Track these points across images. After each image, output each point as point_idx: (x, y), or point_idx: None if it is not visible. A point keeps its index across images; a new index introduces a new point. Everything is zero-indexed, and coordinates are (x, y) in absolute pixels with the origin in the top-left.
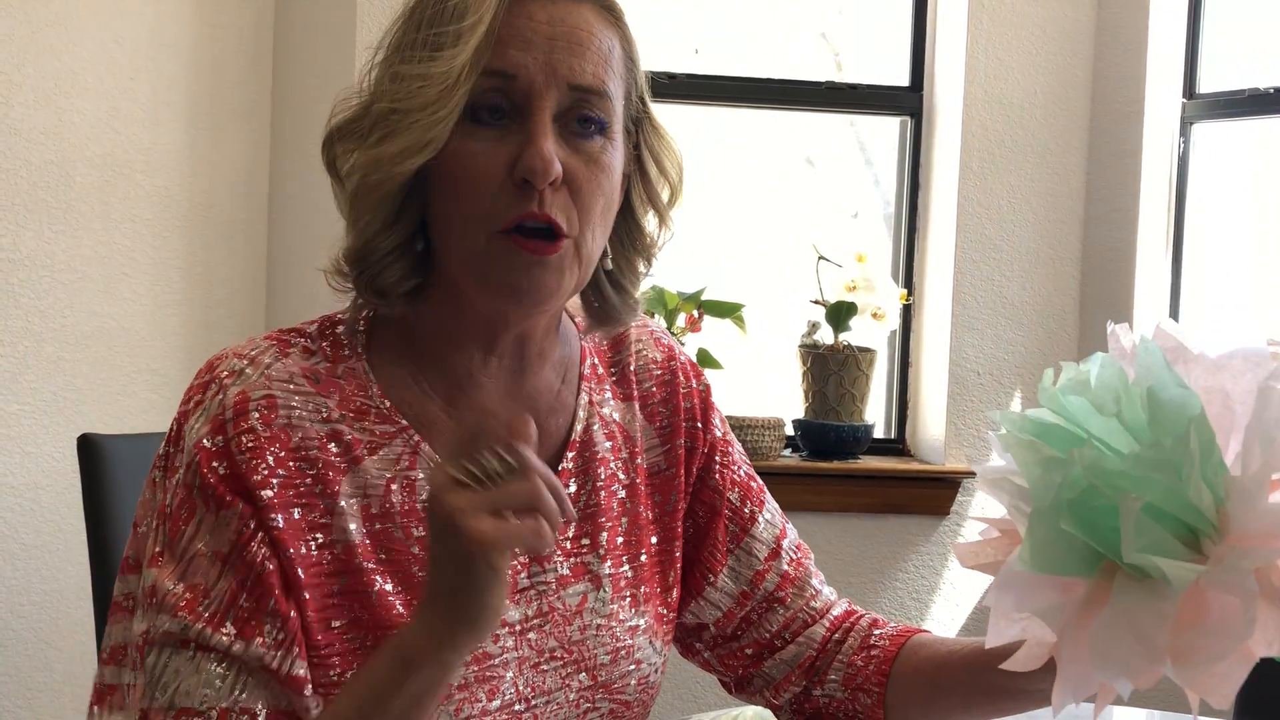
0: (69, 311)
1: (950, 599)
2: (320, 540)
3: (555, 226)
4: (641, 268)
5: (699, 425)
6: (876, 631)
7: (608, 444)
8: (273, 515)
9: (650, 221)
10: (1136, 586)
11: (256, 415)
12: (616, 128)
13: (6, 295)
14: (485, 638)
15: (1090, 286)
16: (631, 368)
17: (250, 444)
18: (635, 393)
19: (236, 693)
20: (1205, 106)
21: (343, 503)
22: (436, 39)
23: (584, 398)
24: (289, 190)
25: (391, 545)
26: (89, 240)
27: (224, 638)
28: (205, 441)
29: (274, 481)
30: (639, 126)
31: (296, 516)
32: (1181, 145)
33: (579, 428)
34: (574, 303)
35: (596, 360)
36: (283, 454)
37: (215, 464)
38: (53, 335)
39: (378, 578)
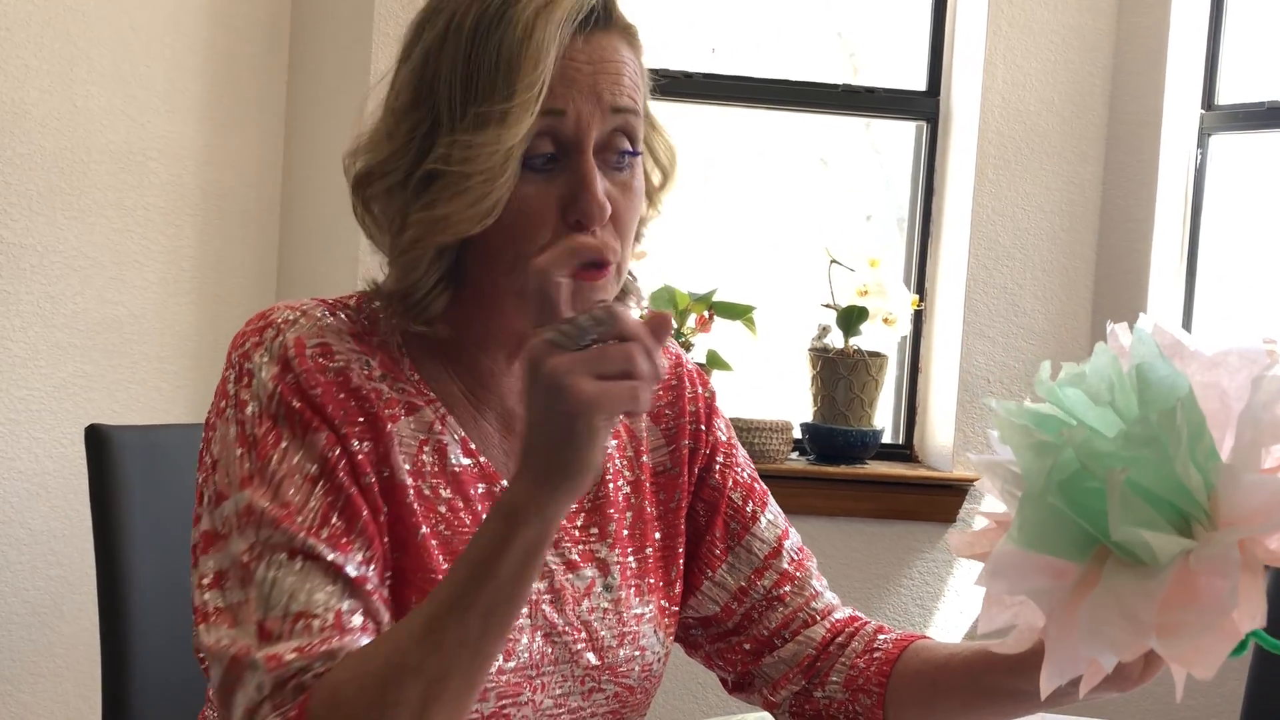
0: (80, 299)
1: (955, 606)
2: (382, 475)
3: (606, 264)
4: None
5: (703, 428)
6: (881, 636)
7: (613, 442)
8: (351, 443)
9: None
10: (1127, 570)
11: (316, 358)
12: (641, 144)
13: (18, 281)
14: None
15: (1104, 296)
16: None
17: (318, 379)
18: None
19: (345, 599)
20: (1224, 118)
21: (396, 445)
22: (504, 106)
23: None
24: (302, 182)
25: (423, 501)
26: (102, 228)
27: (325, 549)
28: (279, 375)
29: (342, 414)
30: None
31: (367, 449)
32: (1199, 156)
33: None
34: None
35: None
36: (342, 395)
37: (292, 395)
38: (63, 322)
39: (421, 523)
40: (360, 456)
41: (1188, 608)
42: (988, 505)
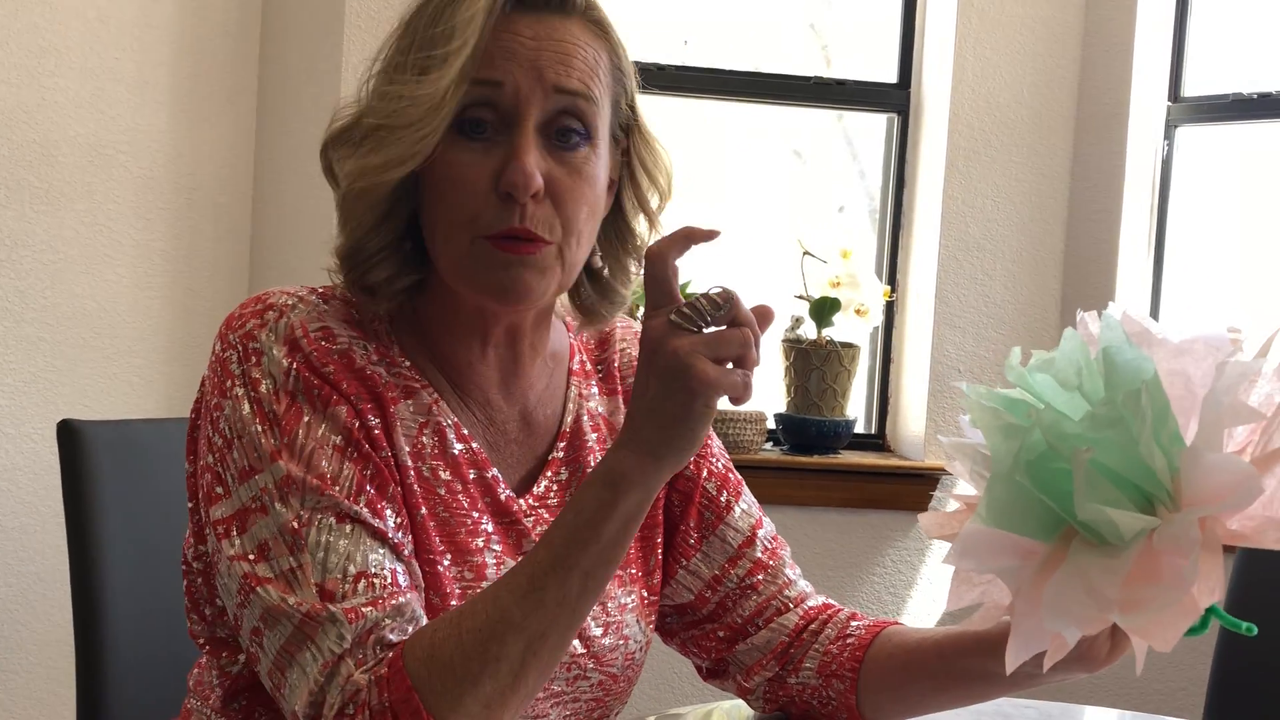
0: (49, 292)
1: (927, 594)
2: (388, 454)
3: (536, 239)
4: (633, 268)
5: None
6: (854, 623)
7: (594, 435)
8: (367, 418)
9: (641, 223)
10: (1092, 549)
11: (320, 340)
12: (601, 136)
13: None
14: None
15: (1072, 287)
16: (616, 364)
17: (328, 359)
18: (619, 388)
19: (395, 561)
20: (1189, 110)
21: (398, 426)
22: (425, 61)
23: (573, 391)
24: (274, 174)
25: (422, 482)
26: (71, 221)
27: (367, 513)
28: (290, 353)
29: (355, 392)
30: (629, 134)
31: (377, 426)
32: (1165, 148)
33: (569, 419)
34: (563, 304)
35: (584, 357)
36: (350, 374)
37: (308, 371)
38: (33, 316)
39: (420, 504)
40: (376, 431)
41: (1149, 584)
42: (960, 490)
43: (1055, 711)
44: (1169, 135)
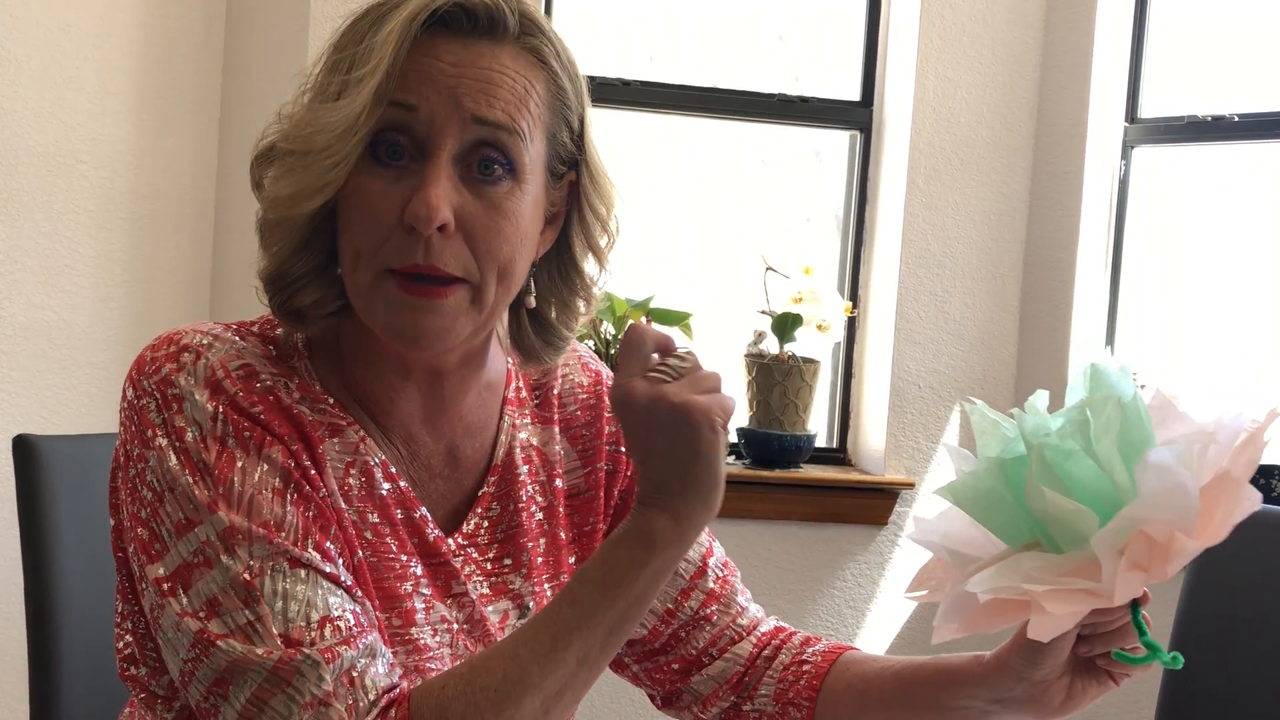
0: (7, 303)
1: (887, 607)
2: (325, 493)
3: (440, 275)
4: (581, 308)
5: (622, 450)
6: (810, 649)
7: (525, 467)
8: (301, 458)
9: (590, 264)
10: (1039, 554)
11: (241, 380)
12: (530, 171)
13: None
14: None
15: (1030, 304)
16: (556, 390)
17: (254, 398)
18: (556, 416)
19: (353, 603)
20: (1146, 131)
21: (327, 466)
22: (339, 85)
23: (506, 422)
24: (236, 185)
25: (354, 526)
26: (30, 231)
27: (318, 558)
28: (213, 396)
29: (285, 432)
30: (577, 169)
31: (309, 466)
32: (1123, 168)
33: (500, 452)
34: (502, 340)
35: (520, 384)
36: (278, 412)
37: (235, 414)
38: None
39: (356, 547)
40: (312, 471)
41: (1071, 579)
42: (911, 528)
43: None
44: (1126, 155)
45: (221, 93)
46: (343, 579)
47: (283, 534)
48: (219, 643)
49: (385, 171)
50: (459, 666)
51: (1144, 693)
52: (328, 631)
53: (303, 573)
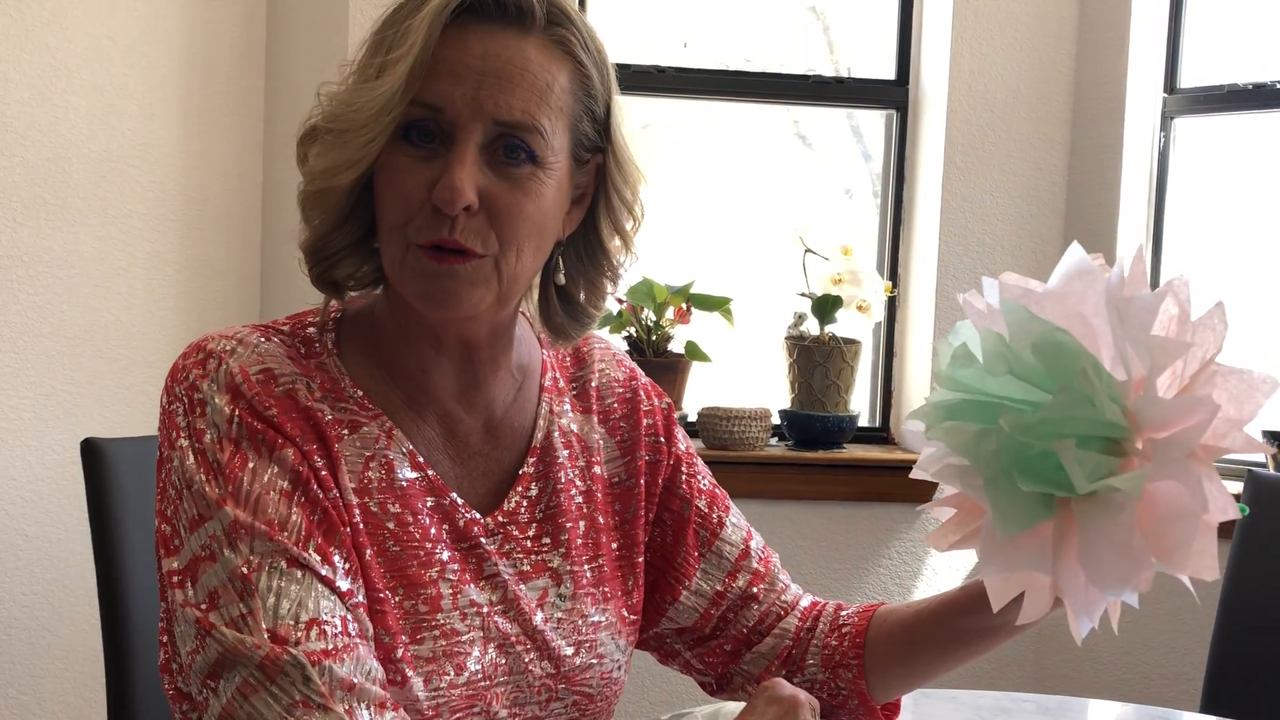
0: (66, 307)
1: (932, 585)
2: (336, 494)
3: (466, 251)
4: (608, 288)
5: (662, 440)
6: (843, 613)
7: (565, 452)
8: (314, 459)
9: (616, 244)
10: (1095, 507)
11: (260, 384)
12: (552, 159)
13: (5, 292)
14: None
15: None
16: (593, 384)
17: (270, 401)
18: (595, 408)
19: (344, 610)
20: (1186, 101)
21: (343, 465)
22: (378, 68)
23: (544, 407)
24: (282, 184)
25: (369, 519)
26: (85, 236)
27: (317, 561)
28: (231, 401)
29: (300, 433)
30: (604, 153)
31: (323, 467)
32: (1162, 140)
33: (539, 435)
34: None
35: (558, 374)
36: (295, 415)
37: (250, 417)
38: (51, 331)
39: (367, 544)
40: (324, 473)
41: (1159, 518)
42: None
43: (1053, 705)
44: (1165, 126)
45: (265, 95)
46: (338, 584)
47: (285, 533)
48: (213, 632)
49: (416, 151)
50: None
51: (1191, 664)
52: (314, 634)
53: (299, 573)
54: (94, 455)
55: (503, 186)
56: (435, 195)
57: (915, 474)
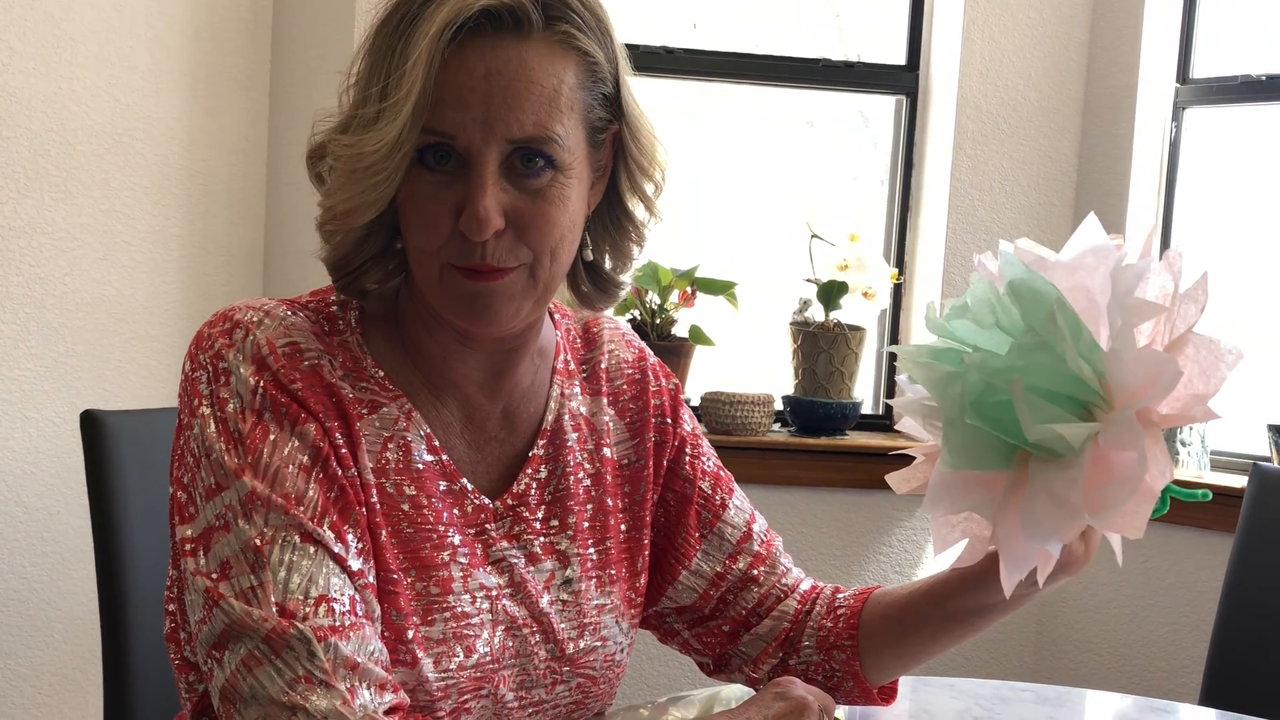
0: (70, 279)
1: (933, 571)
2: (354, 473)
3: (501, 269)
4: (634, 252)
5: (668, 421)
6: (839, 595)
7: (574, 434)
8: (335, 436)
9: (639, 208)
10: (1049, 464)
11: (286, 357)
12: (571, 157)
13: (7, 263)
14: None
15: None
16: (603, 365)
17: (295, 375)
18: (605, 389)
19: (351, 589)
20: (1198, 92)
21: (363, 444)
22: (376, 112)
23: (555, 390)
24: (287, 159)
25: (385, 499)
26: (89, 208)
27: (330, 538)
28: (257, 372)
29: (323, 409)
30: (620, 123)
31: (343, 444)
32: (1174, 130)
33: (550, 417)
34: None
35: (569, 356)
36: (318, 390)
37: (275, 390)
38: (53, 303)
39: (382, 525)
40: (344, 451)
41: (1107, 482)
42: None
43: (1052, 695)
44: (1177, 117)
45: (271, 68)
46: (350, 563)
47: (301, 508)
48: (222, 603)
49: (435, 177)
50: None
51: (1192, 658)
52: (322, 610)
53: (312, 548)
54: (93, 428)
55: (526, 200)
56: (462, 224)
57: (892, 402)
